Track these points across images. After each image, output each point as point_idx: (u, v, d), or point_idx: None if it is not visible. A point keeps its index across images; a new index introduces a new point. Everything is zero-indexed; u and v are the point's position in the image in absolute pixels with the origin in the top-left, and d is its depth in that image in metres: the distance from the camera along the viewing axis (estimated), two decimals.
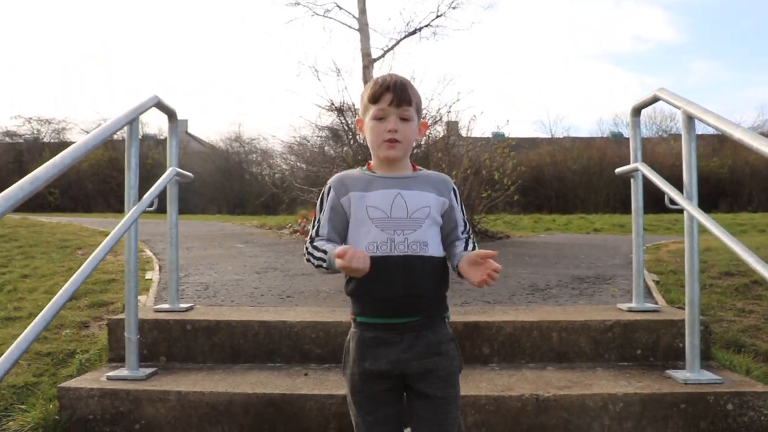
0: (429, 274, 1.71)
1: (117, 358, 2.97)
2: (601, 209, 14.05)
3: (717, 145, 15.89)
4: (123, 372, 2.76)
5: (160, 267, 4.57)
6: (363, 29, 10.55)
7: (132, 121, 2.81)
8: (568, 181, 15.48)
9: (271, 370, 2.88)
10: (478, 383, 2.66)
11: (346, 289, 1.76)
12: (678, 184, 2.84)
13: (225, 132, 25.77)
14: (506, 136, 8.29)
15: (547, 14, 43.54)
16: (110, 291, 3.98)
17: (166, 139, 3.62)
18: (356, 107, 6.94)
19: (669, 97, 2.92)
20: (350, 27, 10.77)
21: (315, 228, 1.76)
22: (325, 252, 1.68)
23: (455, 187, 1.83)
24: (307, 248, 1.73)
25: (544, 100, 49.60)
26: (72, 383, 2.68)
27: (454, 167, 6.76)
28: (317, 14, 10.88)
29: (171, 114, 3.37)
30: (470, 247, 1.77)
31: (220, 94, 44.19)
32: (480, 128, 16.67)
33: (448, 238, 1.78)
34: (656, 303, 3.51)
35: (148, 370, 2.81)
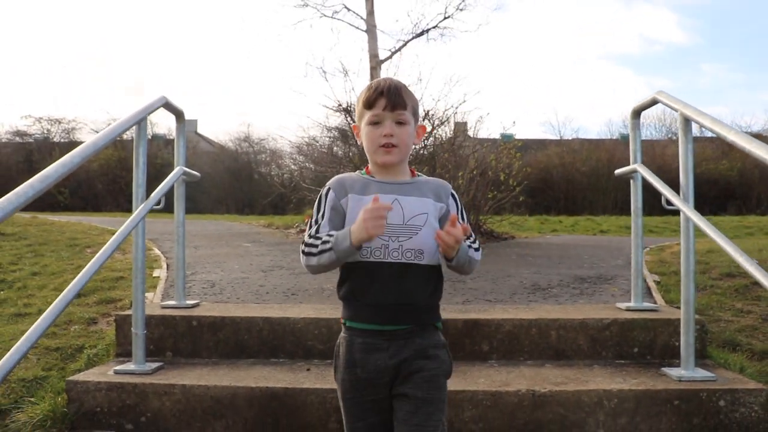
0: (422, 283, 1.70)
1: (124, 353, 3.03)
2: (609, 211, 13.98)
3: (726, 148, 15.72)
4: (130, 366, 2.82)
5: (167, 265, 4.64)
6: (371, 30, 10.61)
7: (140, 121, 2.88)
8: (577, 182, 15.44)
9: (275, 365, 2.94)
10: (476, 379, 2.71)
11: (339, 293, 1.75)
12: None
13: (234, 132, 25.83)
14: (514, 137, 8.31)
15: (555, 15, 43.31)
16: (118, 288, 4.06)
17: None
18: None
19: (667, 99, 2.97)
20: (358, 28, 10.87)
21: (315, 228, 1.71)
22: (330, 235, 1.64)
23: (454, 192, 1.80)
24: (305, 242, 1.69)
25: (552, 101, 49.44)
26: (80, 377, 2.75)
27: (461, 168, 6.81)
28: (325, 15, 10.94)
29: (179, 114, 3.45)
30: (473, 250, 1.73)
31: (220, 94, 44.30)
32: (487, 129, 16.71)
33: None
34: (655, 303, 3.55)
35: (155, 365, 2.87)
